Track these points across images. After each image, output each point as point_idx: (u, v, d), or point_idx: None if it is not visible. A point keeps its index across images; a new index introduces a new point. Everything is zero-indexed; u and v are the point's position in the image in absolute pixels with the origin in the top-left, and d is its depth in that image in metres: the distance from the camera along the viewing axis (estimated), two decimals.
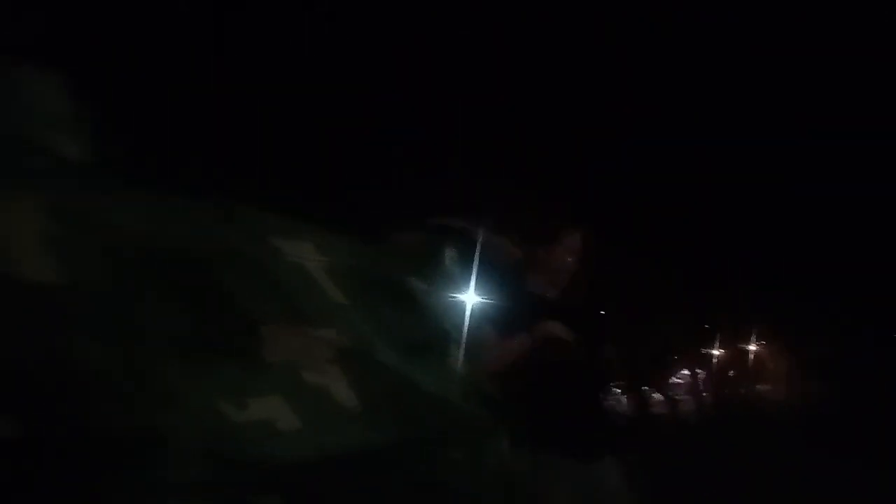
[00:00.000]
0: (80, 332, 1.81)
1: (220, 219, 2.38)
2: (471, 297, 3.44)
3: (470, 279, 3.48)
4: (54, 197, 1.97)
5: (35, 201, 1.94)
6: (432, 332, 2.81)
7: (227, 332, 2.02)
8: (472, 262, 3.57)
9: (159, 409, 1.79)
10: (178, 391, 1.83)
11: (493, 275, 3.62)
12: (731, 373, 25.88)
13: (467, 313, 3.16)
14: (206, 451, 1.80)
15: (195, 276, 2.06)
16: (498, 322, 3.49)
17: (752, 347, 28.08)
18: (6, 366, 1.70)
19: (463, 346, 2.86)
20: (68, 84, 2.27)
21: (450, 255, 3.45)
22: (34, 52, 2.25)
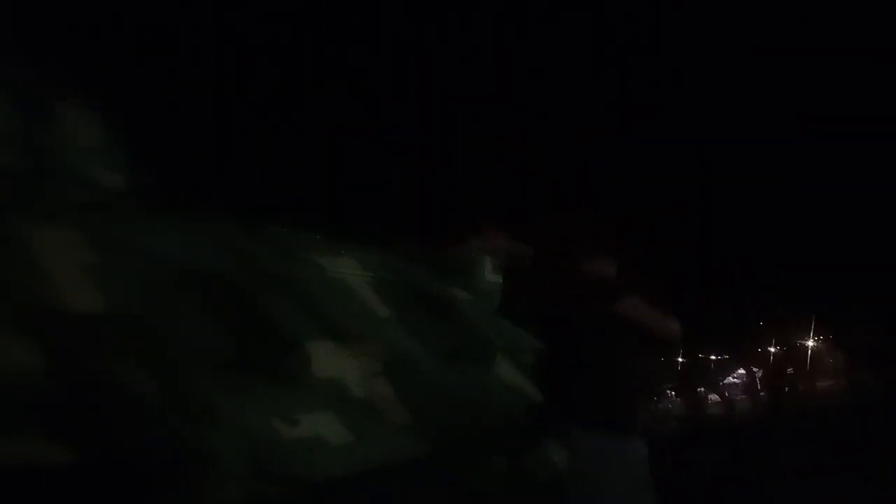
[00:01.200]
0: (124, 356, 1.85)
1: (260, 239, 2.42)
2: (511, 308, 3.42)
3: (510, 291, 3.47)
4: (94, 226, 2.03)
5: (76, 230, 2.00)
6: (474, 343, 2.81)
7: (272, 350, 2.05)
8: (512, 274, 3.56)
9: (207, 428, 1.82)
10: (225, 410, 1.86)
11: (532, 284, 3.60)
12: (788, 370, 25.27)
13: (508, 324, 3.15)
14: (255, 468, 1.82)
15: (237, 297, 2.10)
16: (542, 332, 3.47)
17: (809, 343, 27.41)
18: (57, 391, 1.76)
19: (504, 356, 2.85)
20: (104, 115, 2.34)
21: (489, 267, 3.45)
22: (72, 85, 2.33)
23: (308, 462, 1.92)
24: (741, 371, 23.02)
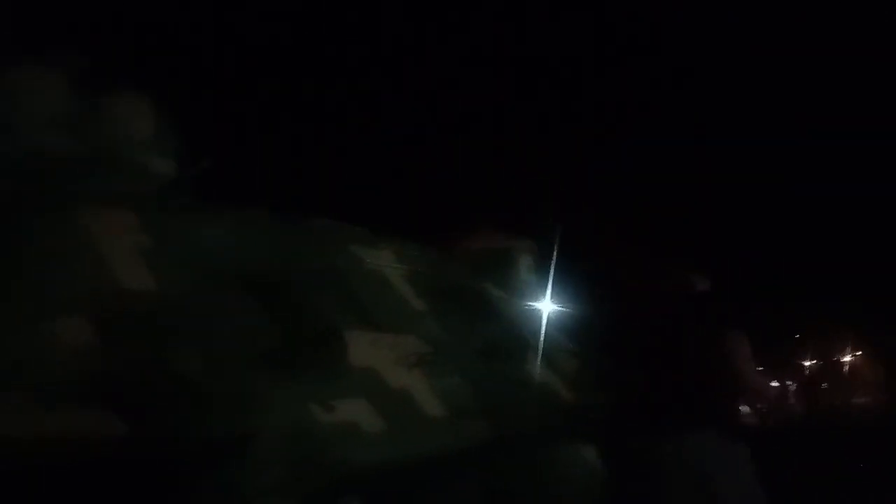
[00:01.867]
0: (171, 341, 1.91)
1: (301, 231, 2.46)
2: (547, 305, 3.42)
3: (546, 286, 3.48)
4: (146, 212, 2.09)
5: (128, 216, 2.06)
6: (508, 337, 2.82)
7: (311, 339, 2.09)
8: (548, 270, 3.56)
9: (248, 413, 1.87)
10: (266, 397, 1.90)
11: (570, 282, 3.59)
12: (823, 384, 24.79)
13: (543, 320, 3.16)
14: (294, 454, 1.86)
15: (279, 287, 2.14)
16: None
17: (846, 358, 26.85)
18: (105, 372, 1.81)
19: (539, 351, 2.86)
20: (156, 104, 2.40)
21: (525, 263, 3.46)
22: (123, 75, 2.39)
23: (343, 449, 1.96)
24: (774, 383, 22.61)
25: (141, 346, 1.86)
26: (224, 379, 1.89)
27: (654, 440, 2.87)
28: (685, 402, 2.78)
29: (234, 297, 2.04)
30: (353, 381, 2.11)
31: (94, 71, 2.33)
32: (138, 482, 1.77)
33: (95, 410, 1.73)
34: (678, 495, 2.52)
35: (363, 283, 2.48)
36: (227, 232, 2.19)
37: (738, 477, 2.55)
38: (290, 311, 2.11)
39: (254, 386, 1.89)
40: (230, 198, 2.41)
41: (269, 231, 2.35)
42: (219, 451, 1.82)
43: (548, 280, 3.51)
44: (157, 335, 1.92)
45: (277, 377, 1.94)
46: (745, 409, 3.00)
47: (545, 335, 3.01)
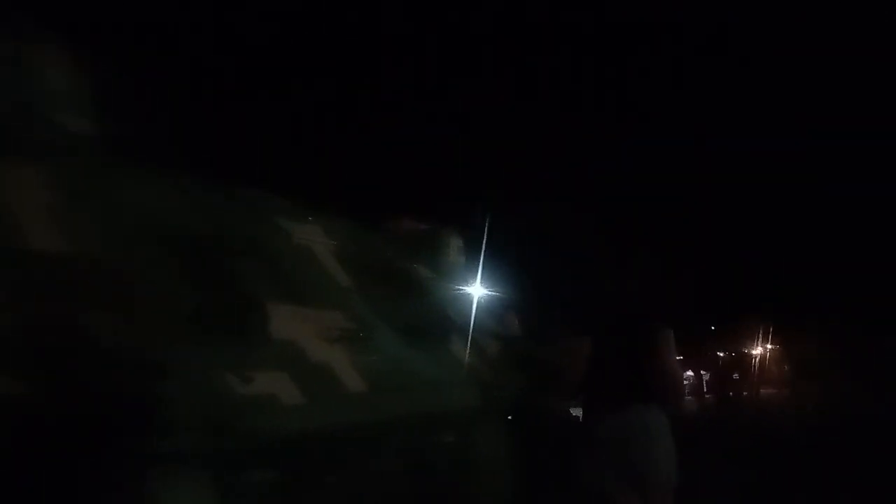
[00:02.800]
0: (83, 302, 1.85)
1: (226, 199, 2.42)
2: (474, 288, 3.47)
3: (474, 270, 3.52)
4: (61, 171, 2.02)
5: (42, 174, 1.98)
6: (432, 318, 2.85)
7: (231, 307, 2.06)
8: (475, 254, 3.60)
9: (161, 378, 1.83)
10: (181, 363, 1.87)
11: (498, 267, 3.65)
12: (734, 375, 25.85)
13: (470, 302, 3.20)
14: (208, 421, 1.84)
15: (200, 252, 2.10)
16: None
17: (757, 351, 28.08)
18: (12, 332, 1.75)
19: (462, 333, 2.90)
20: (80, 61, 2.31)
21: (454, 245, 3.49)
22: (42, 27, 2.29)
23: (260, 419, 1.95)
24: (689, 373, 23.47)
25: (50, 306, 1.80)
26: (137, 342, 1.85)
27: (575, 418, 2.99)
28: (610, 383, 2.91)
29: (153, 260, 1.99)
30: (274, 352, 2.09)
31: (12, 22, 2.23)
32: (42, 444, 1.73)
33: None
34: (598, 464, 2.66)
35: (288, 256, 2.46)
36: (150, 194, 2.13)
37: (654, 445, 2.75)
38: (211, 277, 2.07)
39: (169, 351, 1.86)
40: (153, 160, 2.35)
41: (194, 196, 2.30)
42: (130, 415, 1.78)
43: (476, 264, 3.56)
44: (66, 296, 1.87)
45: (195, 344, 1.91)
46: (665, 393, 3.15)
47: (471, 318, 3.05)
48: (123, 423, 1.78)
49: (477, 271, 3.56)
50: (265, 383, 1.98)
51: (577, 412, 3.32)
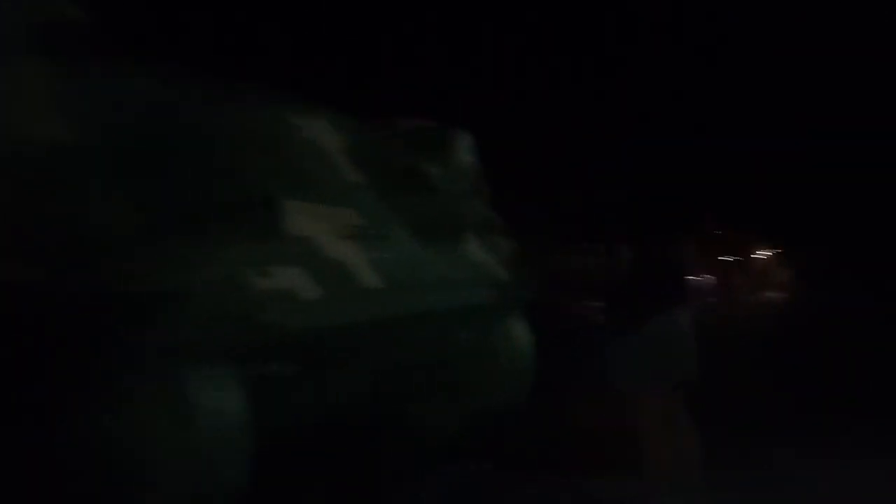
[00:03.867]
0: (94, 195, 1.83)
1: (234, 93, 2.36)
2: (485, 186, 3.43)
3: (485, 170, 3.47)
4: (63, 61, 1.96)
5: (41, 66, 1.93)
6: (444, 216, 2.82)
7: (246, 203, 2.04)
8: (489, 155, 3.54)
9: (174, 271, 1.83)
10: (201, 256, 1.86)
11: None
12: (736, 280, 26.08)
13: (480, 200, 3.16)
14: (227, 315, 1.85)
15: (212, 146, 2.07)
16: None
17: (759, 256, 28.25)
18: (20, 223, 1.74)
19: (475, 231, 2.88)
20: None
21: (465, 143, 3.43)
22: None
23: (278, 313, 1.96)
24: (710, 277, 23.61)
25: (62, 198, 1.78)
26: (152, 235, 1.85)
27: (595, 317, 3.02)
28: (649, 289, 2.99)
29: (164, 154, 1.96)
30: (289, 248, 2.08)
31: None
32: (59, 336, 1.74)
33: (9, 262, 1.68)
34: (627, 363, 2.77)
35: (299, 152, 2.41)
36: (156, 87, 2.08)
37: (684, 345, 2.87)
38: (223, 173, 2.04)
39: (186, 244, 1.85)
40: (157, 54, 2.28)
41: (204, 91, 2.24)
42: (146, 307, 1.79)
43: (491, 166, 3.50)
44: (79, 188, 1.85)
45: (211, 238, 1.90)
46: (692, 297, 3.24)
47: (483, 216, 3.02)
48: (146, 316, 1.79)
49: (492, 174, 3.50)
50: (282, 278, 1.98)
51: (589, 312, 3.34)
